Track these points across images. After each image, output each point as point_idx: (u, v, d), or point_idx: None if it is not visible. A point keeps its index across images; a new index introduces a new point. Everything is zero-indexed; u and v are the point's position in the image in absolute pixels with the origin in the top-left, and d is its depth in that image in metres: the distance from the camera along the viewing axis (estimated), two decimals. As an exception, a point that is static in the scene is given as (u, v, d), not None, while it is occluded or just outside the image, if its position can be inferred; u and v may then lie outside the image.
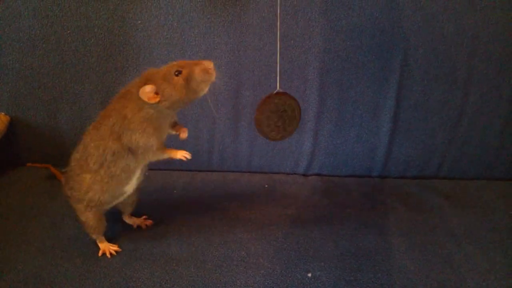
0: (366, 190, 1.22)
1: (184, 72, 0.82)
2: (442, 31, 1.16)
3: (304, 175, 1.31)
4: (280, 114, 0.90)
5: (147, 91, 0.80)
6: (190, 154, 0.88)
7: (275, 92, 0.90)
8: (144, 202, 1.10)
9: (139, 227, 1.02)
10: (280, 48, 1.15)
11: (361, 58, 1.18)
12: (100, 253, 0.92)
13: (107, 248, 0.93)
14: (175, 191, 1.18)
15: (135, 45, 1.18)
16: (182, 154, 0.89)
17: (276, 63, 0.91)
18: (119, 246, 0.94)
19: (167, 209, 1.08)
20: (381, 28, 1.15)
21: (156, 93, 0.81)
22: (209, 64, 0.82)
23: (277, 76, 0.90)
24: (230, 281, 0.86)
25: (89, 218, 0.90)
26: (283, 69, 1.19)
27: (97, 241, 0.94)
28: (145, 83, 0.82)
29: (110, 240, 0.95)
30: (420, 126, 1.24)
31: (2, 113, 1.23)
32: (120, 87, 1.19)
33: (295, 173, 1.31)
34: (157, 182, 1.21)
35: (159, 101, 0.82)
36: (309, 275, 0.88)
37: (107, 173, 0.86)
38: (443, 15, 1.15)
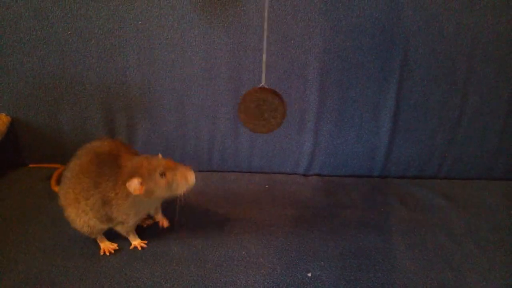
0: (366, 190, 1.22)
1: (168, 175, 0.88)
2: (442, 31, 1.16)
3: (304, 175, 1.31)
4: (259, 108, 0.91)
5: (133, 184, 0.85)
6: (145, 245, 0.96)
7: (258, 87, 0.91)
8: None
9: (139, 226, 1.02)
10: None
11: (361, 58, 1.18)
12: (101, 252, 0.93)
13: (107, 247, 0.94)
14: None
15: (135, 45, 1.18)
16: (138, 243, 0.96)
17: (262, 60, 0.92)
18: (119, 246, 0.94)
19: (167, 209, 1.08)
20: (381, 28, 1.15)
21: (142, 186, 0.86)
22: (191, 174, 0.89)
23: (262, 71, 0.91)
24: (231, 280, 0.86)
25: (82, 230, 0.94)
26: (282, 69, 1.19)
27: (97, 241, 0.94)
28: (133, 174, 0.86)
29: (110, 239, 0.96)
30: (420, 126, 1.24)
31: (3, 113, 1.23)
32: (121, 88, 1.21)
33: (295, 173, 1.31)
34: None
35: (142, 194, 0.87)
36: (309, 274, 0.88)
37: (89, 215, 0.91)
38: (443, 15, 1.15)
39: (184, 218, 1.01)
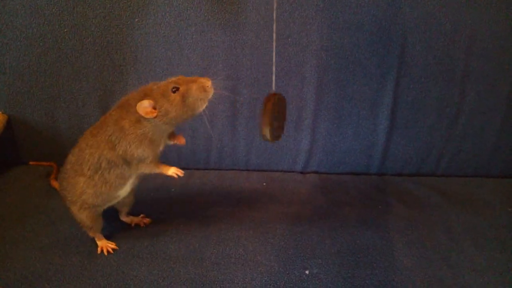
0: (364, 188, 1.22)
1: (181, 89, 0.82)
2: (439, 28, 1.16)
3: (302, 172, 1.31)
4: (277, 114, 0.89)
5: (144, 106, 0.81)
6: (182, 172, 0.89)
7: (272, 93, 0.88)
8: (142, 201, 1.10)
9: (137, 225, 1.02)
10: (275, 49, 1.15)
11: (359, 56, 1.18)
12: (99, 251, 0.92)
13: (104, 245, 0.93)
14: (173, 190, 1.18)
15: (132, 43, 1.18)
16: (173, 171, 0.89)
17: (273, 64, 0.90)
18: (116, 244, 0.94)
19: (164, 207, 1.09)
20: (378, 25, 1.15)
21: (154, 108, 0.82)
22: (207, 82, 0.83)
23: (273, 76, 0.90)
24: (228, 278, 0.86)
25: (84, 218, 0.91)
26: (279, 67, 1.19)
27: (96, 239, 0.94)
28: (143, 97, 0.82)
29: (107, 237, 0.95)
30: (418, 124, 1.24)
31: (0, 111, 1.22)
32: (118, 85, 1.21)
33: (293, 171, 1.31)
34: (155, 180, 1.21)
35: (156, 116, 0.82)
36: (307, 272, 0.88)
37: (101, 179, 0.87)
38: (441, 12, 1.15)
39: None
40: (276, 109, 0.83)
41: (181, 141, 0.93)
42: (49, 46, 1.18)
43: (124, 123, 0.84)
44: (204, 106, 0.84)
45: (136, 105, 0.81)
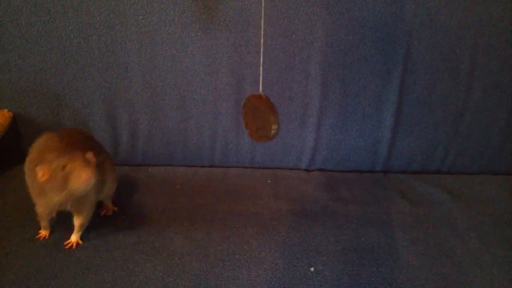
0: (369, 185, 1.22)
1: (66, 169, 0.84)
2: (445, 24, 1.15)
3: (306, 170, 1.31)
4: (254, 115, 0.89)
5: (40, 171, 0.85)
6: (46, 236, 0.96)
7: (258, 94, 0.89)
8: (146, 197, 1.10)
9: (105, 215, 1.05)
10: (279, 46, 1.15)
11: (364, 52, 1.17)
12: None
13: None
14: (177, 187, 1.18)
15: (136, 41, 1.18)
16: (43, 235, 0.96)
17: (260, 64, 0.91)
18: (122, 240, 0.94)
19: (170, 204, 1.09)
20: (383, 21, 1.15)
21: (46, 176, 0.86)
22: (84, 175, 0.83)
23: (259, 80, 0.90)
24: (233, 275, 0.86)
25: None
26: (284, 63, 1.19)
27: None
28: (44, 160, 0.87)
29: (112, 232, 0.96)
30: (423, 121, 1.24)
31: (5, 109, 1.23)
32: (122, 83, 1.21)
33: (297, 168, 1.31)
34: (160, 177, 1.22)
35: (44, 184, 0.86)
36: (312, 269, 0.88)
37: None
38: (446, 8, 1.14)
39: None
40: (250, 111, 0.88)
41: (106, 211, 1.03)
42: (53, 44, 1.18)
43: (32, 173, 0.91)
44: (81, 193, 0.87)
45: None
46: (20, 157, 1.28)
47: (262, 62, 1.18)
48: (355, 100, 1.22)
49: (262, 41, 0.88)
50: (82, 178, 0.83)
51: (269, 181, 1.23)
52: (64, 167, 0.84)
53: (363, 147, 1.27)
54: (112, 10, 1.15)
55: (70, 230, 0.96)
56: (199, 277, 0.85)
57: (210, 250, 0.93)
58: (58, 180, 0.84)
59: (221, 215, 1.05)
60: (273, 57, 1.18)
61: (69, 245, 0.94)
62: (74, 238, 0.95)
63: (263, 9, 0.85)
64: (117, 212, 1.04)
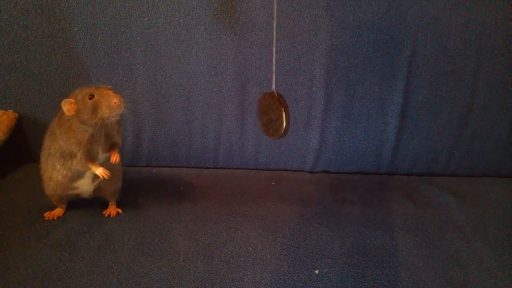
0: (373, 187, 1.21)
1: (95, 98, 0.90)
2: (450, 27, 1.15)
3: (311, 172, 1.31)
4: (267, 113, 0.90)
5: (65, 103, 0.90)
6: (109, 174, 0.95)
7: (270, 91, 0.90)
8: (151, 198, 1.10)
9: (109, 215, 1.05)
10: (285, 48, 1.15)
11: (368, 55, 1.17)
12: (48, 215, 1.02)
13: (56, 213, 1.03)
14: (182, 188, 1.18)
15: (142, 42, 1.18)
16: (101, 172, 0.94)
17: (272, 63, 0.91)
18: (127, 242, 0.94)
19: (174, 205, 1.09)
20: (388, 24, 1.15)
21: (72, 104, 0.90)
22: (113, 100, 0.88)
23: (272, 75, 0.91)
24: (238, 277, 0.86)
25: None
26: (289, 66, 1.19)
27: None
28: (69, 96, 0.91)
29: (114, 230, 0.96)
30: (428, 123, 1.24)
31: (11, 110, 1.23)
32: (127, 84, 1.21)
33: (302, 170, 1.31)
34: (164, 178, 1.22)
35: (73, 115, 0.91)
36: (316, 271, 0.88)
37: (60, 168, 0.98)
38: (451, 10, 1.14)
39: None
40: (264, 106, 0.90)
41: (112, 158, 0.98)
42: (59, 45, 1.19)
43: (54, 126, 0.96)
44: (112, 119, 0.91)
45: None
46: (25, 158, 1.29)
47: (267, 65, 1.19)
48: (359, 102, 1.22)
49: (274, 40, 0.88)
50: (112, 102, 0.88)
51: (273, 183, 1.23)
52: (91, 96, 0.89)
53: (368, 149, 1.27)
54: (117, 12, 1.16)
55: (73, 230, 0.96)
56: (204, 279, 0.85)
57: (214, 252, 0.93)
58: (88, 109, 0.89)
59: (225, 216, 1.05)
60: (278, 59, 1.17)
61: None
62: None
63: (275, 11, 0.85)
64: (121, 213, 1.04)
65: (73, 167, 0.96)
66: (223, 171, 1.29)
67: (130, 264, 0.88)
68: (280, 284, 0.84)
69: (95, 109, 0.89)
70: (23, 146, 1.28)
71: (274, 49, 0.88)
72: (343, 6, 1.14)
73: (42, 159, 1.02)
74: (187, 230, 1.00)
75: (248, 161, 1.30)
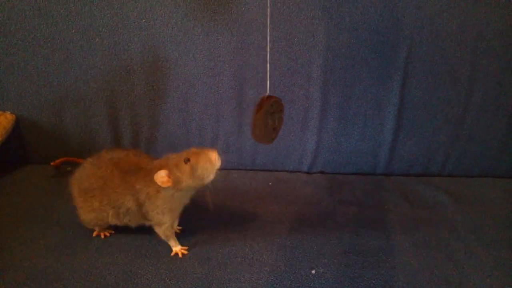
0: (370, 188, 1.22)
1: (192, 160, 0.87)
2: (446, 28, 1.16)
3: (307, 172, 1.31)
4: (272, 116, 0.90)
5: (161, 176, 0.86)
6: (186, 252, 0.93)
7: (266, 95, 0.89)
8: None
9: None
10: (282, 50, 1.15)
11: (365, 56, 1.18)
12: (94, 234, 0.98)
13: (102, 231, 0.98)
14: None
15: (139, 43, 1.18)
16: (177, 250, 0.93)
17: (267, 68, 0.91)
18: (124, 244, 0.94)
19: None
20: (384, 25, 1.15)
21: (169, 177, 0.86)
22: (212, 154, 0.87)
23: (266, 80, 0.90)
24: (234, 278, 0.86)
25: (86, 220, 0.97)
26: (286, 66, 1.19)
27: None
28: (160, 168, 0.87)
29: (110, 237, 0.96)
30: (424, 124, 1.24)
31: (8, 112, 1.23)
32: (125, 86, 1.22)
33: (299, 171, 1.31)
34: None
35: (171, 185, 0.87)
36: (313, 272, 0.88)
37: (114, 215, 0.93)
38: (447, 12, 1.15)
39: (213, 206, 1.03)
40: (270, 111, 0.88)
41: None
42: (56, 47, 1.19)
43: (150, 190, 0.89)
44: (212, 177, 0.89)
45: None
46: (22, 159, 1.29)
47: (265, 66, 1.19)
48: (356, 103, 1.22)
49: (268, 38, 0.88)
50: (212, 158, 0.87)
51: (270, 184, 1.23)
52: (187, 159, 0.86)
53: (365, 150, 1.27)
54: (115, 13, 1.16)
55: (71, 231, 0.97)
56: (201, 280, 0.85)
57: (211, 253, 0.93)
58: (186, 172, 0.86)
59: (222, 218, 1.05)
60: (275, 61, 1.18)
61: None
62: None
63: (268, 9, 0.85)
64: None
65: (139, 222, 0.94)
66: (220, 172, 1.29)
67: (128, 266, 0.88)
68: (276, 284, 0.85)
69: (195, 172, 0.86)
70: (21, 148, 1.28)
71: (268, 56, 0.88)
72: (339, 7, 1.14)
73: (82, 193, 0.94)
74: (184, 231, 1.00)
75: (245, 162, 1.31)
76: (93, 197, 0.92)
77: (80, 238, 0.97)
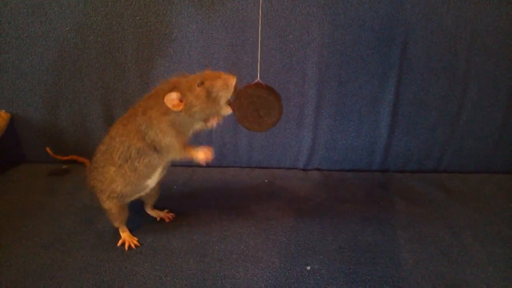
0: (366, 184, 1.22)
1: (206, 83, 0.83)
2: (441, 25, 1.16)
3: (303, 169, 1.31)
4: (254, 105, 0.89)
5: (172, 98, 0.82)
6: (211, 153, 0.89)
7: (254, 82, 0.89)
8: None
9: (162, 219, 1.03)
10: (277, 47, 1.15)
11: (360, 52, 1.18)
12: (119, 243, 0.94)
13: (127, 239, 0.94)
14: (175, 187, 1.18)
15: (133, 41, 1.18)
16: (203, 154, 0.88)
17: (258, 54, 0.91)
18: (119, 239, 0.94)
19: (167, 204, 1.09)
20: (380, 22, 1.15)
21: (180, 101, 0.83)
22: (230, 79, 0.84)
23: (258, 64, 0.90)
24: (230, 274, 0.86)
25: (111, 207, 0.93)
26: (281, 63, 1.19)
27: (119, 231, 0.95)
28: (172, 89, 0.83)
29: (105, 234, 0.96)
30: (420, 120, 1.24)
31: (3, 110, 1.23)
32: (120, 83, 1.21)
33: (295, 168, 1.31)
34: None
35: (181, 110, 0.83)
36: (308, 268, 0.88)
37: (131, 168, 0.88)
38: (442, 8, 1.15)
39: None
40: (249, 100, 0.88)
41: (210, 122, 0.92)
42: (51, 45, 1.18)
43: (152, 112, 0.85)
44: (226, 98, 0.85)
45: (163, 97, 0.82)
46: (17, 158, 1.29)
47: (259, 63, 1.19)
48: (351, 100, 1.22)
49: (260, 25, 0.88)
50: (229, 81, 0.82)
51: (266, 181, 1.23)
52: (201, 83, 0.82)
53: (360, 146, 1.27)
54: (109, 11, 1.16)
55: (66, 229, 0.96)
56: (197, 276, 0.85)
57: (207, 250, 0.93)
58: (201, 99, 0.82)
59: (218, 215, 1.05)
60: (270, 58, 1.18)
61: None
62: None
63: (260, 7, 0.85)
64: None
65: (155, 162, 0.88)
66: (216, 169, 1.29)
67: (123, 263, 0.88)
68: (272, 280, 0.85)
69: (210, 96, 0.82)
70: (15, 146, 1.28)
71: (259, 48, 0.88)
72: (334, 4, 1.14)
73: (111, 172, 0.90)
74: (180, 228, 1.00)
75: (241, 159, 1.31)
76: (106, 159, 0.89)
77: (75, 235, 0.97)
